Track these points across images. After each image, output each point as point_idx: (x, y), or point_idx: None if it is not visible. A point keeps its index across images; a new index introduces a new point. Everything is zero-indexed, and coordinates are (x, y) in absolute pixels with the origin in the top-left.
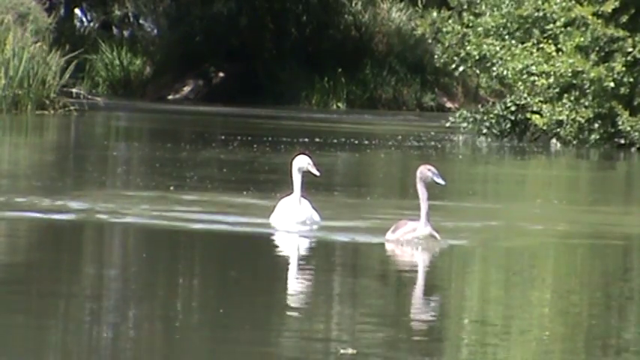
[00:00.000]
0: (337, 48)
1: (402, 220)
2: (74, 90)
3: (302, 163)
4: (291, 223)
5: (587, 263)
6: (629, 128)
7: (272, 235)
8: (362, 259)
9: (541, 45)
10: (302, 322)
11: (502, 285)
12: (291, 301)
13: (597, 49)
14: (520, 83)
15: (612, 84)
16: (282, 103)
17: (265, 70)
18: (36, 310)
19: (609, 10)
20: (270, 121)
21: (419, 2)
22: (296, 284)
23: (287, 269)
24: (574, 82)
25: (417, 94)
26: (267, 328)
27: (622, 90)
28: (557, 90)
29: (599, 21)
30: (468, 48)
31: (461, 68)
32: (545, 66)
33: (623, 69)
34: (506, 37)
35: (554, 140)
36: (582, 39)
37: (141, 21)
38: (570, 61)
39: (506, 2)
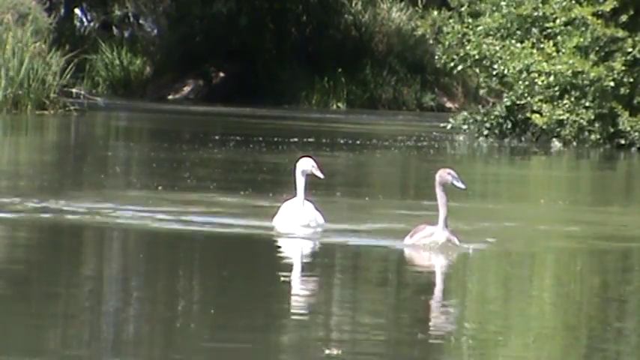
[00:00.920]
0: (337, 48)
1: (421, 225)
2: (74, 90)
3: (306, 165)
4: (295, 225)
5: (618, 268)
6: (629, 128)
7: (274, 237)
8: (365, 263)
9: (541, 45)
10: (299, 327)
11: (522, 296)
12: (290, 305)
13: (597, 49)
14: (520, 82)
15: (612, 84)
16: (282, 103)
17: (265, 70)
18: (35, 309)
19: (609, 10)
20: (270, 121)
21: (419, 2)
22: (296, 288)
23: (288, 273)
24: (574, 82)
25: (417, 94)
26: (265, 331)
27: (622, 90)
28: (557, 90)
29: (599, 21)
30: (468, 47)
31: (460, 67)
32: (545, 65)
33: (623, 68)
34: (506, 37)
35: (554, 140)
36: (582, 39)
37: (141, 21)
38: (570, 61)
39: (506, 2)
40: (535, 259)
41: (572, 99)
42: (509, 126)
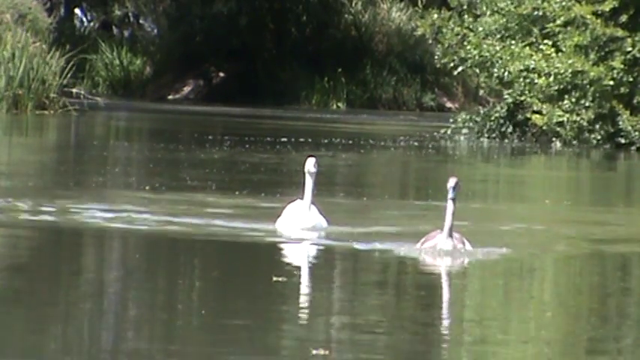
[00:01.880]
0: (337, 48)
1: (434, 231)
2: (74, 90)
3: (307, 165)
4: (299, 228)
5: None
6: (629, 128)
7: (277, 241)
8: (365, 267)
9: (540, 45)
10: (293, 329)
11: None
12: (287, 308)
13: (597, 48)
14: (521, 80)
15: (612, 83)
16: (282, 103)
17: (265, 70)
18: (34, 310)
19: (608, 10)
20: (270, 121)
21: (419, 2)
22: (293, 291)
23: (287, 275)
24: (574, 81)
25: (417, 94)
26: (260, 332)
27: (622, 89)
28: (556, 89)
29: (599, 20)
30: (468, 48)
31: (460, 68)
32: (545, 66)
33: (622, 67)
34: (507, 37)
35: (554, 140)
36: (582, 38)
37: (141, 21)
38: (570, 60)
39: (506, 1)
40: (552, 264)
41: (572, 99)
42: (510, 126)
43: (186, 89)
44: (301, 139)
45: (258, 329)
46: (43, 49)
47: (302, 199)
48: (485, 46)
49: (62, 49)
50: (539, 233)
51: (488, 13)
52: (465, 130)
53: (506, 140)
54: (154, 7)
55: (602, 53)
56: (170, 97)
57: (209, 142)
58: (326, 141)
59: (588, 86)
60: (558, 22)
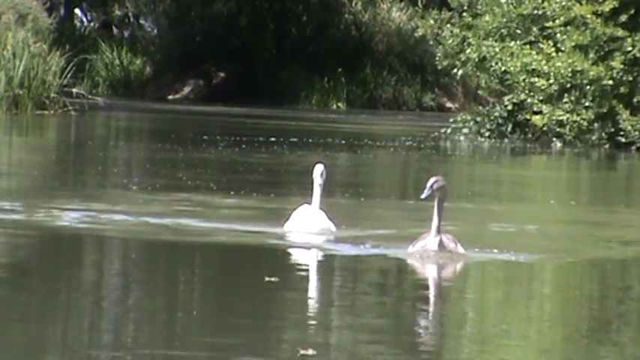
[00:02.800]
0: (337, 48)
1: (425, 233)
2: (74, 90)
3: (315, 172)
4: (306, 232)
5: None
6: (629, 128)
7: (275, 243)
8: (365, 270)
9: (540, 45)
10: (288, 331)
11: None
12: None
13: (597, 48)
14: (521, 79)
15: (611, 82)
16: (282, 103)
17: (265, 70)
18: (33, 309)
19: (608, 10)
20: (270, 121)
21: (419, 2)
22: (285, 292)
23: (291, 279)
24: (574, 81)
25: (417, 94)
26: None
27: (622, 89)
28: (556, 89)
29: (599, 20)
30: (468, 51)
31: (460, 72)
32: (544, 65)
33: (622, 66)
34: (506, 36)
35: (554, 140)
36: (582, 38)
37: (141, 21)
38: (570, 60)
39: (506, 1)
40: (553, 270)
41: (572, 99)
42: (510, 126)
43: (186, 89)
44: (301, 140)
45: (253, 330)
46: (43, 50)
47: (309, 203)
48: (484, 47)
49: (62, 49)
50: (550, 235)
51: (487, 12)
52: (465, 130)
53: (506, 140)
54: (154, 7)
55: (602, 53)
56: (170, 97)
57: (209, 142)
58: (326, 141)
59: (588, 86)
60: (558, 22)
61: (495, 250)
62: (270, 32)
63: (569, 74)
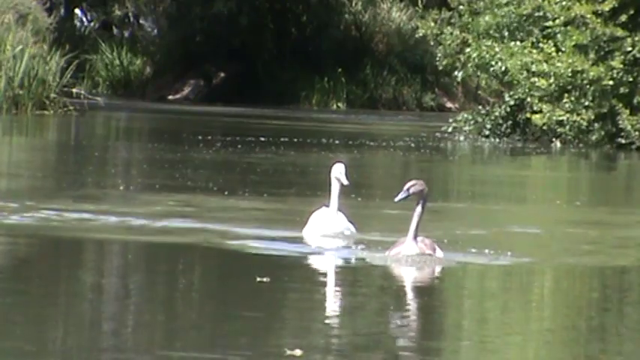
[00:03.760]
0: (337, 48)
1: (402, 238)
2: (74, 90)
3: (335, 171)
4: (326, 235)
5: None
6: (629, 128)
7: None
8: (362, 276)
9: (540, 44)
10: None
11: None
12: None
13: (597, 48)
14: (521, 78)
15: (611, 82)
16: (282, 103)
17: (265, 70)
18: (33, 308)
19: (608, 10)
20: (270, 122)
21: (419, 2)
22: (277, 292)
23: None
24: (574, 81)
25: (417, 94)
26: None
27: (622, 89)
28: (556, 89)
29: (599, 20)
30: (468, 51)
31: (461, 73)
32: (544, 65)
33: (622, 66)
34: (506, 36)
35: (555, 140)
36: (581, 38)
37: (141, 21)
38: (570, 60)
39: (506, 0)
40: (553, 274)
41: (572, 98)
42: (510, 126)
43: (186, 89)
44: (301, 140)
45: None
46: (43, 49)
47: (327, 205)
48: (484, 47)
49: (62, 49)
50: (547, 236)
51: (487, 12)
52: (465, 128)
53: (506, 140)
54: (154, 7)
55: (602, 53)
56: (170, 97)
57: (209, 142)
58: (327, 141)
59: (588, 86)
60: (558, 22)
61: (488, 252)
62: (270, 32)
63: (570, 74)
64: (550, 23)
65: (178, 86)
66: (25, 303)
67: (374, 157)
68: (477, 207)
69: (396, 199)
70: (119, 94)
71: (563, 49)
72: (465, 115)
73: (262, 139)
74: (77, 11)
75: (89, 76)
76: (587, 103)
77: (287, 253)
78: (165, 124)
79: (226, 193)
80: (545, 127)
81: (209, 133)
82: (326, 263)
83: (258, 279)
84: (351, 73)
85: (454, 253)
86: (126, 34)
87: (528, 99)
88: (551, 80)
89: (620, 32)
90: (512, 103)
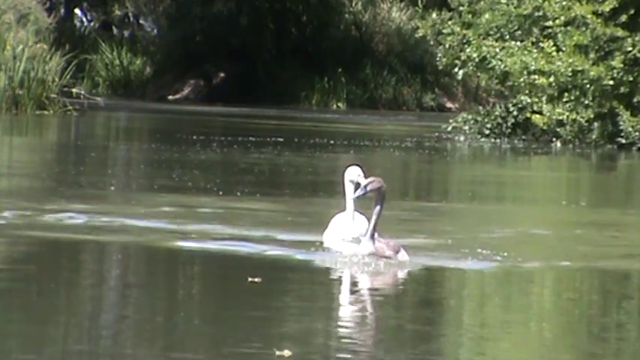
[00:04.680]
0: (337, 48)
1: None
2: (74, 90)
3: (352, 174)
4: (346, 239)
5: None
6: (629, 128)
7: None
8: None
9: (540, 44)
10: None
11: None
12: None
13: (597, 48)
14: (521, 79)
15: (612, 82)
16: (282, 103)
17: (265, 70)
18: (32, 308)
19: (608, 10)
20: (270, 122)
21: (419, 2)
22: (268, 292)
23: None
24: (574, 81)
25: (417, 94)
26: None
27: (622, 89)
28: (556, 89)
29: (599, 20)
30: (468, 50)
31: (461, 72)
32: (544, 65)
33: (622, 66)
34: (506, 36)
35: (555, 140)
36: (582, 38)
37: (141, 21)
38: (570, 60)
39: (507, 0)
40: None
41: (572, 98)
42: (510, 126)
43: (186, 89)
44: (301, 140)
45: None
46: (43, 49)
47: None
48: (484, 47)
49: (62, 49)
50: (563, 238)
51: (487, 12)
52: (465, 128)
53: (506, 140)
54: (154, 7)
55: (602, 53)
56: (170, 97)
57: (209, 142)
58: (326, 141)
59: (588, 86)
60: (558, 22)
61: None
62: (270, 32)
63: (570, 74)
64: (550, 23)
65: (178, 86)
66: (25, 303)
67: (374, 157)
68: (477, 207)
69: (354, 196)
70: (119, 94)
71: (563, 49)
72: (465, 115)
73: (262, 139)
74: (77, 11)
75: (89, 76)
76: (586, 102)
77: (282, 254)
78: (166, 124)
79: (221, 193)
80: (545, 127)
81: (209, 133)
82: (322, 264)
83: (250, 279)
84: (351, 73)
85: (454, 254)
86: (126, 34)
87: (528, 99)
88: (551, 79)
89: (620, 32)
90: (515, 112)
